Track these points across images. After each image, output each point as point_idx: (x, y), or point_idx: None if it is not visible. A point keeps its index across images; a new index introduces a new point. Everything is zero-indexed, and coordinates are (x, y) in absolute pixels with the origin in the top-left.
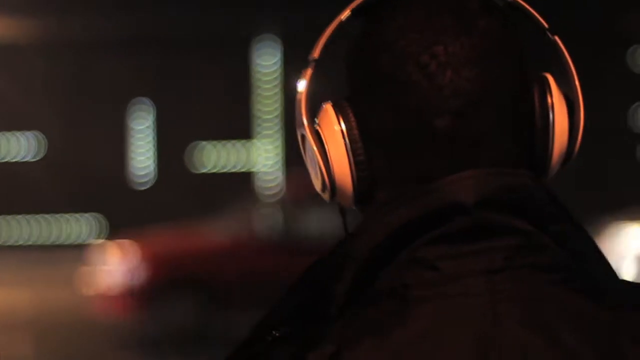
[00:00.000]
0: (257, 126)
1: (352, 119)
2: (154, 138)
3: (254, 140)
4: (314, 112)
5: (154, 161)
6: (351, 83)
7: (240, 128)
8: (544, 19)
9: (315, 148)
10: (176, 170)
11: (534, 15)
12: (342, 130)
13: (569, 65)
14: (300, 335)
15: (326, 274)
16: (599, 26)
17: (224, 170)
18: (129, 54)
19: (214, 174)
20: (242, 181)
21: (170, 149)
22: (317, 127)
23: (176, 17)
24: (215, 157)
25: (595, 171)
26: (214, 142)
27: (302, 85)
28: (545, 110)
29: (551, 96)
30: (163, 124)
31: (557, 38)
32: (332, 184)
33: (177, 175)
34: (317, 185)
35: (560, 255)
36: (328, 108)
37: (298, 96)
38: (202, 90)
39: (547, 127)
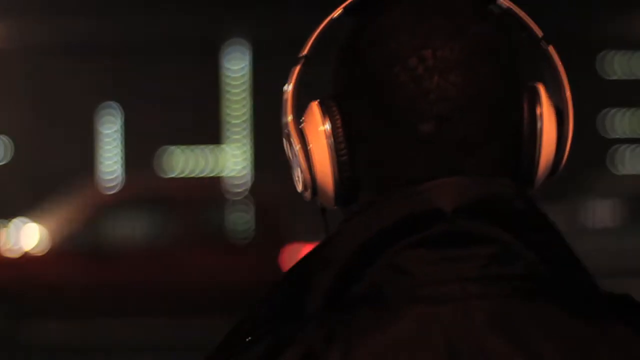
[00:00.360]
0: (227, 131)
1: (338, 118)
2: (121, 142)
3: (223, 146)
4: (300, 110)
5: (122, 166)
6: (339, 82)
7: (209, 133)
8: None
9: (298, 146)
10: (145, 174)
11: (529, 23)
12: (326, 130)
13: (561, 76)
14: (272, 337)
15: (304, 277)
16: (568, 31)
17: (193, 175)
18: (97, 58)
19: (182, 178)
20: (211, 186)
21: (139, 153)
22: (302, 126)
23: (145, 21)
24: (184, 161)
25: (566, 177)
26: (183, 147)
27: (289, 83)
28: (534, 119)
29: (540, 106)
30: (132, 128)
31: (551, 47)
32: (313, 184)
33: (146, 180)
34: (299, 184)
35: (536, 265)
36: (314, 106)
37: (285, 93)
38: (171, 94)
39: (534, 137)
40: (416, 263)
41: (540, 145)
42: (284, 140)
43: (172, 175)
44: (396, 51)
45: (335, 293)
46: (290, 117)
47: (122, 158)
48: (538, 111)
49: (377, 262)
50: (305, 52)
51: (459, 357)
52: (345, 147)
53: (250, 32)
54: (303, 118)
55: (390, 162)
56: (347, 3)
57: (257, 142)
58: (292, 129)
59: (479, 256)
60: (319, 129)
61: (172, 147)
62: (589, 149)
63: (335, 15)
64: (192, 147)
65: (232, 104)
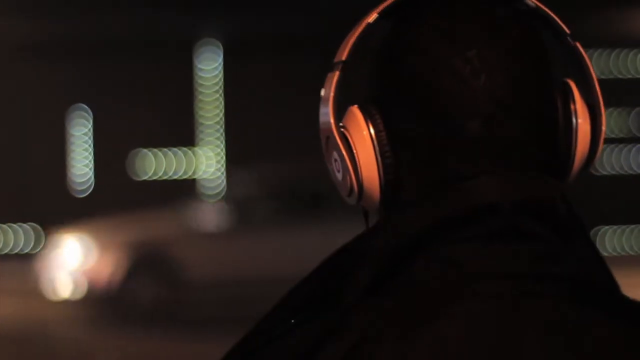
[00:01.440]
0: (200, 132)
1: (380, 122)
2: (90, 145)
3: (196, 148)
4: (338, 114)
5: (91, 169)
6: (378, 85)
7: (182, 134)
8: None
9: (344, 152)
10: (117, 177)
11: (557, 21)
12: (370, 134)
13: (590, 72)
14: (318, 323)
15: (349, 263)
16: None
17: (166, 177)
18: (68, 59)
19: (155, 181)
20: (185, 188)
21: (111, 155)
22: (344, 130)
23: (117, 21)
24: (157, 164)
25: None
26: (155, 150)
27: (328, 89)
28: (569, 116)
29: (574, 102)
30: (104, 130)
31: (578, 44)
32: (359, 188)
33: (118, 182)
34: (344, 189)
35: (579, 268)
36: (355, 111)
37: (324, 99)
38: (143, 96)
39: (570, 133)
40: (469, 256)
41: (575, 141)
42: (324, 145)
43: (145, 178)
44: (439, 53)
45: (380, 281)
46: (333, 123)
47: (92, 161)
48: (572, 108)
49: (426, 254)
50: (343, 57)
51: (509, 353)
52: (389, 149)
53: (222, 31)
54: (344, 123)
55: (437, 162)
56: (381, 7)
57: (230, 144)
58: (336, 134)
59: (529, 253)
60: (363, 133)
61: (145, 150)
62: None
63: (371, 20)
64: (165, 149)
65: (204, 105)
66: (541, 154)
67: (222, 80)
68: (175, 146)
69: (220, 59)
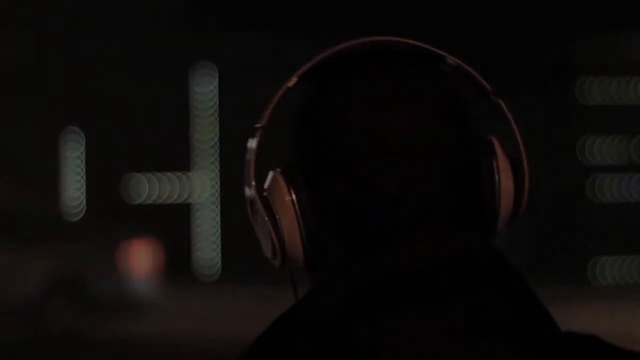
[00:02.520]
0: (196, 156)
1: (303, 186)
2: (82, 169)
3: (190, 173)
4: (261, 176)
5: (83, 192)
6: (299, 149)
7: (177, 158)
8: (488, 48)
9: (265, 217)
10: (110, 201)
11: (479, 79)
12: (292, 199)
13: (514, 128)
14: None
15: (280, 341)
16: (547, 57)
17: (160, 202)
18: (61, 82)
19: (150, 205)
20: (179, 213)
21: (103, 180)
22: (267, 194)
23: (111, 43)
24: (152, 188)
25: (544, 208)
26: (149, 174)
27: (249, 154)
28: (491, 172)
29: (496, 159)
30: (97, 154)
31: (501, 101)
32: (282, 252)
33: (111, 207)
34: (267, 252)
35: (512, 312)
36: (277, 176)
37: (246, 164)
38: (138, 119)
39: (493, 189)
40: (402, 320)
41: (499, 196)
42: (248, 207)
43: (139, 202)
44: (356, 116)
45: (313, 356)
46: (253, 188)
47: (83, 185)
48: (494, 165)
49: (358, 323)
50: (263, 122)
51: None
52: (312, 213)
53: (218, 55)
54: (267, 187)
55: (360, 224)
56: (300, 71)
57: (226, 168)
58: (257, 199)
59: (461, 308)
60: (285, 199)
61: (139, 174)
62: (568, 177)
63: (290, 85)
64: (159, 174)
65: (200, 129)
66: (464, 210)
67: (218, 102)
68: (169, 170)
69: (216, 81)
